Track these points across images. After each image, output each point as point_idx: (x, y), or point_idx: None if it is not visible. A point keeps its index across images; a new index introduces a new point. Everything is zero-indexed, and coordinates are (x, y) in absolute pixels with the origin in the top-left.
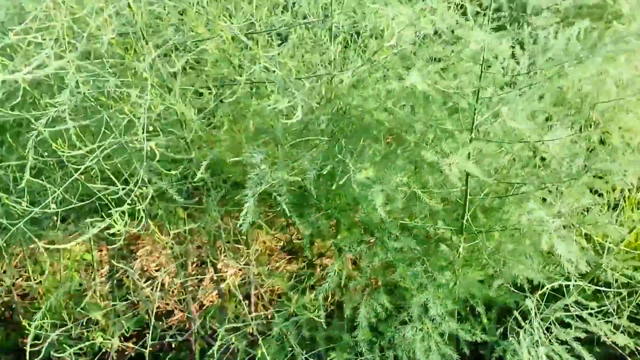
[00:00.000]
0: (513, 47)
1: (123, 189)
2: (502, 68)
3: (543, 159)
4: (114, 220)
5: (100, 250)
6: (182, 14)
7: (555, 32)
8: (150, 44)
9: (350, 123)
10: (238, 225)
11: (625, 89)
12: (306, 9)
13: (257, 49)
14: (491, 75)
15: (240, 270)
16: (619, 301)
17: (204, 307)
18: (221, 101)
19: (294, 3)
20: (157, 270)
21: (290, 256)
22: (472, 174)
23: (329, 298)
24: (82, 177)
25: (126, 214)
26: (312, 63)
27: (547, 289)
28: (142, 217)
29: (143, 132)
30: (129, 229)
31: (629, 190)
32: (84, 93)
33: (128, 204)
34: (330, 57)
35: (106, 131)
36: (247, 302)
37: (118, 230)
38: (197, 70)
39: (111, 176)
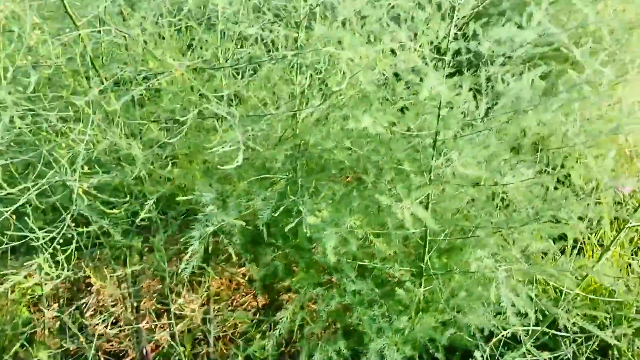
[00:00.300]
0: (471, 90)
1: (50, 231)
2: (463, 112)
3: (503, 199)
4: (41, 263)
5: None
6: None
7: (520, 73)
8: (101, 75)
9: (310, 161)
10: (180, 270)
11: (579, 135)
12: (276, 43)
13: (221, 81)
14: (451, 118)
15: (202, 306)
16: (575, 347)
17: (161, 347)
18: (184, 134)
19: (261, 38)
20: (113, 306)
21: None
22: (423, 219)
23: (292, 337)
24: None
25: (62, 254)
26: (280, 96)
27: (503, 335)
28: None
29: (81, 169)
30: (61, 272)
31: (589, 233)
32: (20, 127)
33: (59, 244)
34: (295, 92)
35: (44, 168)
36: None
37: (47, 274)
38: (159, 102)
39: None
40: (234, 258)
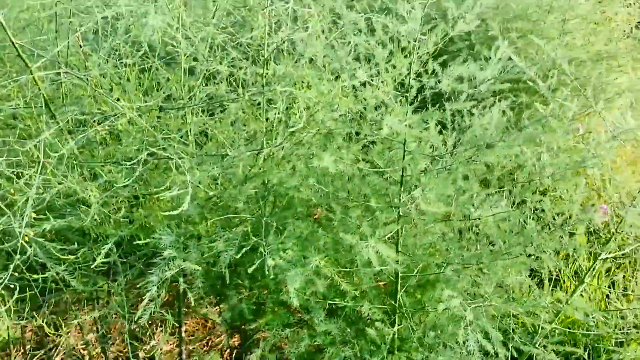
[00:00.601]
0: (439, 124)
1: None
2: (432, 146)
3: (477, 233)
4: None
5: (24, 326)
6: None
7: (491, 105)
8: (57, 117)
9: (277, 199)
10: (135, 318)
11: (545, 168)
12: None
13: (184, 120)
14: (416, 153)
15: (175, 347)
16: None
17: None
18: (151, 172)
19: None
20: (84, 349)
21: (232, 329)
22: (388, 258)
23: None
24: None
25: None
26: (242, 135)
27: None
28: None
29: (33, 214)
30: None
31: (564, 265)
32: None
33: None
34: (262, 129)
35: None
36: None
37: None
38: (122, 142)
39: None
40: (193, 304)
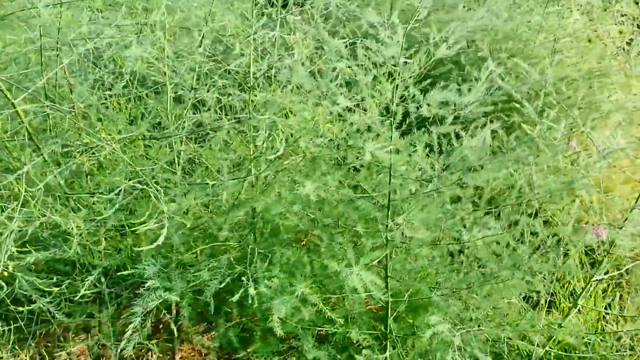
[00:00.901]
0: (427, 146)
1: None
2: (420, 169)
3: (467, 256)
4: None
5: (17, 356)
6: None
7: (483, 126)
8: (42, 149)
9: (265, 225)
10: (120, 349)
11: (535, 189)
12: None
13: (170, 148)
14: (398, 178)
15: None
16: None
17: None
18: (141, 199)
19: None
20: None
21: (227, 356)
22: (374, 284)
23: None
24: None
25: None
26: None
27: None
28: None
29: (14, 247)
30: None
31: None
32: None
33: None
34: (249, 156)
35: None
36: None
37: None
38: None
39: None
40: (176, 334)
